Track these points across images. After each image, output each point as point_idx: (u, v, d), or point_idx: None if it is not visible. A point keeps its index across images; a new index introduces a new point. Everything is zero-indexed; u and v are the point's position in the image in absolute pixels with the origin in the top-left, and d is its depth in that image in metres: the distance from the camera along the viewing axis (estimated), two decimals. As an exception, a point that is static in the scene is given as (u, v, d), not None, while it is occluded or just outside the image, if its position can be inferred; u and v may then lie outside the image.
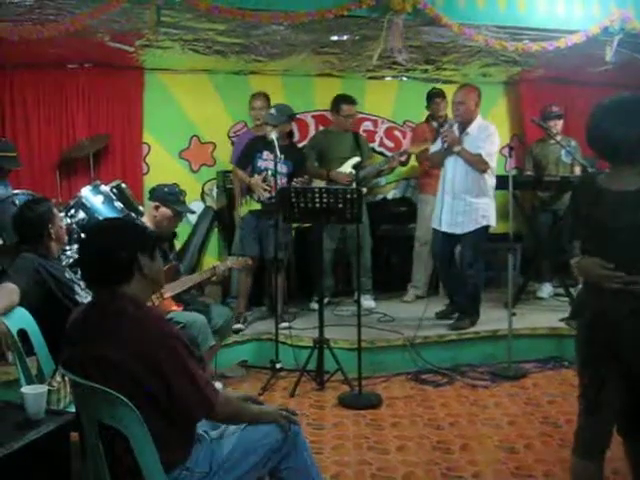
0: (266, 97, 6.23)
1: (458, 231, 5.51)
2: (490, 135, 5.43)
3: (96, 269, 2.33)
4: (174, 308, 4.30)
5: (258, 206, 5.68)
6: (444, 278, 5.95)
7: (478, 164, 5.36)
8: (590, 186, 2.68)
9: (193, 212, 6.10)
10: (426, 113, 6.77)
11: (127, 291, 2.30)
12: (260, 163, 5.70)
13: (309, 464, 2.57)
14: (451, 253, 5.75)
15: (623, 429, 2.73)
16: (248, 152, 5.80)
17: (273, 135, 5.34)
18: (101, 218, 4.96)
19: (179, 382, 2.19)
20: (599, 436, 2.66)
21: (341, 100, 6.24)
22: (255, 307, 6.14)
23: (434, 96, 6.64)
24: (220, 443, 2.43)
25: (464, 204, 5.45)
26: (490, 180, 5.50)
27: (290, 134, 5.92)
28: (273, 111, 5.69)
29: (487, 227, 5.52)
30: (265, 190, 5.61)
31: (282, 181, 5.57)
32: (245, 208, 5.80)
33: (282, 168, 5.60)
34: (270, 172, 5.60)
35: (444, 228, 5.55)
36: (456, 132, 5.48)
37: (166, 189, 4.61)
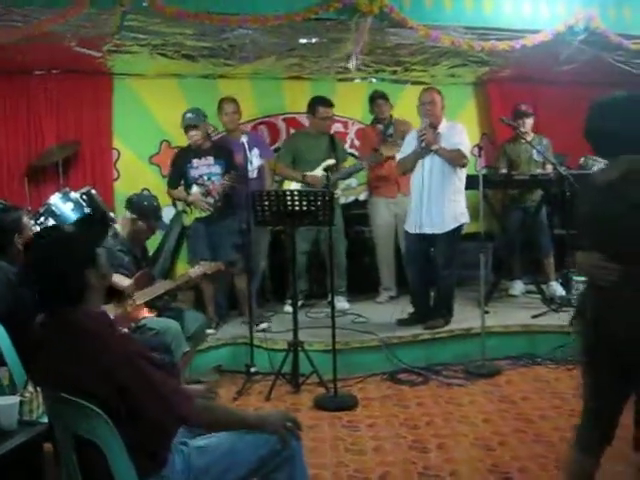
0: (235, 101, 6.22)
1: (437, 231, 5.49)
2: (462, 131, 5.50)
3: (46, 294, 2.26)
4: (147, 314, 4.27)
5: (205, 213, 5.67)
6: (415, 282, 5.81)
7: (458, 159, 5.38)
8: (588, 184, 2.76)
9: (168, 228, 6.17)
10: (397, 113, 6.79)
11: (84, 309, 2.25)
12: (192, 173, 5.68)
13: None
14: (427, 255, 5.72)
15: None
16: (176, 168, 5.79)
17: (244, 139, 5.34)
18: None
19: (146, 400, 2.15)
20: (600, 433, 2.67)
21: (318, 102, 6.25)
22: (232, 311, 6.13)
23: (376, 98, 6.64)
24: (202, 451, 2.38)
25: (442, 204, 5.45)
26: (464, 177, 5.54)
27: (209, 135, 5.93)
28: (190, 115, 5.68)
29: (461, 226, 5.54)
30: (207, 204, 5.61)
31: (219, 182, 5.61)
32: (191, 217, 5.76)
33: (216, 169, 5.63)
34: (206, 177, 5.63)
35: (424, 229, 5.49)
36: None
37: (145, 203, 4.61)
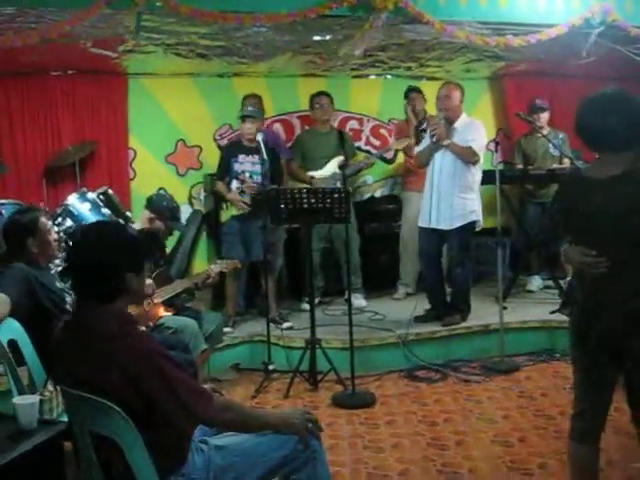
0: (259, 97, 6.24)
1: (446, 227, 5.49)
2: (479, 128, 5.47)
3: (82, 284, 2.28)
4: (165, 313, 4.29)
5: (237, 210, 5.67)
6: (429, 278, 5.82)
7: (469, 156, 5.37)
8: (576, 179, 2.82)
9: (184, 228, 6.17)
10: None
11: (110, 307, 2.26)
12: (237, 167, 5.69)
13: None
14: (438, 251, 5.71)
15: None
16: (224, 161, 5.80)
17: (259, 137, 5.35)
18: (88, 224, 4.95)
19: (164, 399, 2.15)
20: (594, 421, 2.72)
21: (312, 95, 6.38)
22: (249, 309, 6.16)
23: (409, 92, 6.66)
24: (222, 450, 2.38)
25: (452, 200, 5.44)
26: (477, 176, 5.51)
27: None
28: (251, 106, 5.70)
29: (475, 223, 5.51)
30: (243, 202, 5.60)
31: (260, 181, 5.56)
32: (227, 213, 5.78)
33: (258, 168, 5.59)
34: (248, 174, 5.61)
35: (433, 224, 5.51)
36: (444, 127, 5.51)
37: (165, 203, 4.64)
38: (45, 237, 3.64)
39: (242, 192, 5.64)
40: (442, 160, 5.47)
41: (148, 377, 2.14)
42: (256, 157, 5.58)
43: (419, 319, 5.63)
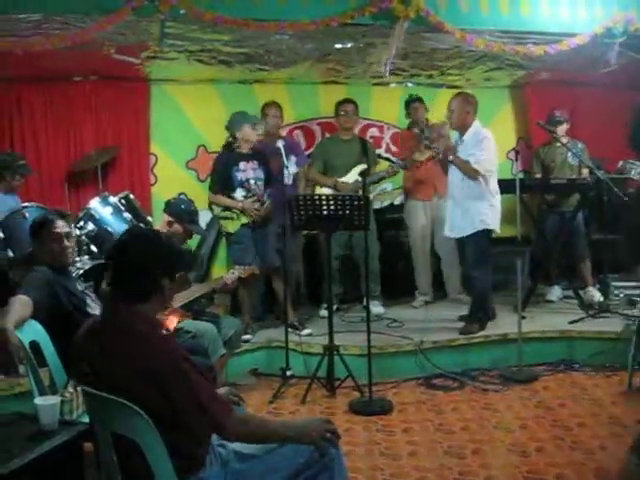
0: (279, 106, 6.27)
1: (458, 235, 5.61)
2: (480, 142, 5.43)
3: (122, 282, 2.34)
4: (183, 318, 4.31)
5: (251, 218, 5.59)
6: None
7: (468, 172, 5.41)
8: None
9: (205, 234, 6.16)
10: (433, 117, 6.77)
11: (140, 309, 2.30)
12: (240, 176, 5.60)
13: None
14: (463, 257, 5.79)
15: None
16: (223, 171, 5.66)
17: (280, 143, 5.38)
18: (111, 229, 5.00)
19: (185, 403, 2.17)
20: None
21: (338, 102, 6.37)
22: (268, 314, 6.18)
23: (411, 102, 6.64)
24: (240, 456, 2.40)
25: (462, 208, 5.51)
26: (490, 184, 5.47)
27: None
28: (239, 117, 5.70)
29: (487, 231, 5.49)
30: (257, 210, 5.55)
31: (261, 187, 5.59)
32: (236, 223, 5.65)
33: (259, 174, 5.61)
34: (253, 181, 5.60)
35: (448, 233, 5.69)
36: (452, 140, 5.54)
37: (183, 206, 4.65)
38: (46, 245, 3.62)
39: (252, 199, 5.58)
40: (453, 170, 5.56)
41: (172, 379, 2.16)
42: (255, 162, 5.60)
43: (463, 318, 5.74)
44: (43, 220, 3.70)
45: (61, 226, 3.67)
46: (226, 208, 5.68)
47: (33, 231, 3.67)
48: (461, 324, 5.66)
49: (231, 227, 5.70)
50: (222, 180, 5.64)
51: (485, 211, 5.45)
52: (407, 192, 6.83)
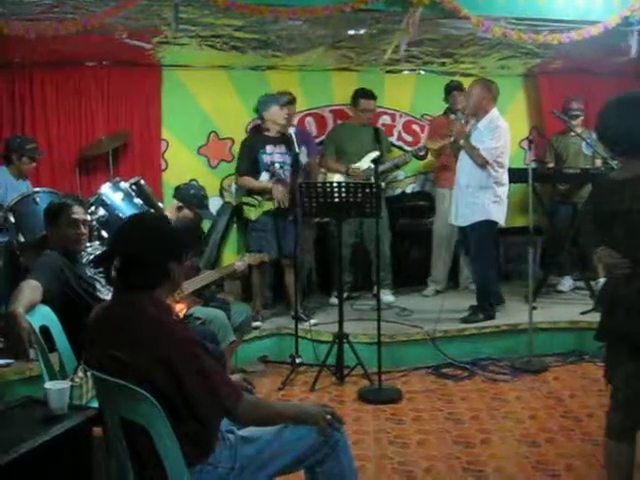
0: (293, 95, 6.29)
1: (462, 223, 5.59)
2: (493, 130, 5.40)
3: (129, 271, 2.32)
4: (193, 304, 4.31)
5: (271, 205, 5.56)
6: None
7: (477, 158, 5.38)
8: (604, 181, 2.89)
9: (215, 218, 6.15)
10: (444, 106, 6.74)
11: (152, 294, 2.30)
12: (266, 159, 5.59)
13: (346, 473, 2.48)
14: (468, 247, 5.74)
15: None
16: (249, 153, 5.63)
17: (292, 130, 5.35)
18: (122, 215, 5.00)
19: (197, 387, 2.17)
20: (628, 418, 2.73)
21: (360, 94, 6.28)
22: (277, 302, 6.15)
23: (451, 89, 6.60)
24: (248, 441, 2.40)
25: (466, 197, 5.49)
26: (497, 176, 5.42)
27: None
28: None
29: (491, 222, 5.46)
30: (285, 195, 5.49)
31: (286, 173, 5.56)
32: (258, 210, 5.63)
33: (286, 159, 5.56)
34: (278, 165, 5.56)
35: (453, 221, 5.70)
36: (467, 126, 5.53)
37: (192, 191, 4.65)
38: (62, 230, 3.64)
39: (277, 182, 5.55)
40: (463, 157, 5.54)
41: (183, 362, 2.17)
42: (283, 147, 5.57)
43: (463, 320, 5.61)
44: (61, 205, 3.72)
45: (79, 212, 3.71)
46: (249, 194, 5.64)
47: (50, 215, 3.67)
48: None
49: (253, 214, 5.66)
50: (248, 162, 5.61)
51: (490, 202, 5.42)
52: (435, 179, 6.89)
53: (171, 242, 2.41)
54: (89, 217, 4.37)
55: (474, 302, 5.72)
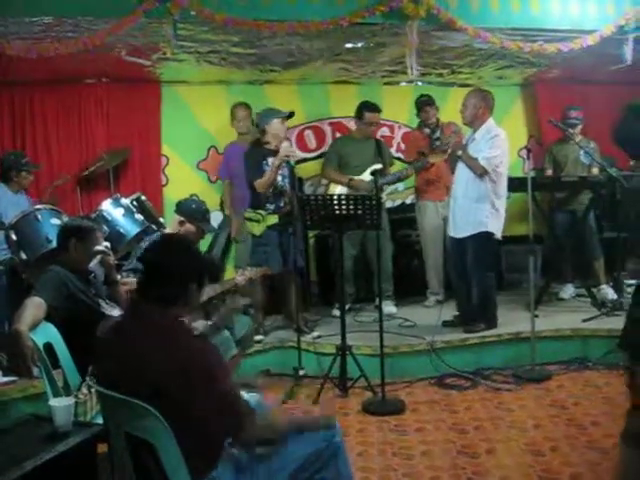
0: (248, 106, 6.32)
1: (459, 235, 5.55)
2: (491, 140, 5.38)
3: (152, 283, 2.38)
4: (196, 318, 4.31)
5: (275, 220, 5.51)
6: (456, 284, 5.85)
7: (476, 168, 5.36)
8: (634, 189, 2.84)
9: (217, 231, 6.15)
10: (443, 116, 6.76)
11: (168, 310, 2.35)
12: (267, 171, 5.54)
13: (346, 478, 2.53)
14: (463, 259, 5.62)
15: None
16: (254, 162, 5.53)
17: (285, 143, 5.38)
18: (123, 231, 5.02)
19: (210, 402, 2.19)
20: None
21: (364, 107, 6.27)
22: (273, 315, 6.14)
23: (422, 104, 6.58)
24: (250, 455, 2.40)
25: (463, 208, 5.48)
26: (494, 187, 5.40)
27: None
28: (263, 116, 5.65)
29: (488, 234, 5.44)
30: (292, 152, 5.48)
31: (287, 185, 5.54)
32: (262, 225, 5.56)
33: (285, 172, 5.55)
34: (280, 177, 5.52)
35: (451, 233, 5.66)
36: (463, 137, 5.52)
37: (194, 206, 4.66)
38: (87, 250, 3.67)
39: (279, 194, 5.53)
40: (460, 169, 5.52)
41: (199, 376, 2.19)
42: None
43: (447, 324, 5.67)
44: (91, 227, 3.76)
45: (101, 237, 3.82)
46: (253, 208, 5.58)
47: (78, 234, 3.65)
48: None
49: (257, 229, 5.59)
50: (257, 170, 5.49)
51: (486, 213, 5.40)
52: (418, 192, 6.79)
53: (197, 264, 2.49)
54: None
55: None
